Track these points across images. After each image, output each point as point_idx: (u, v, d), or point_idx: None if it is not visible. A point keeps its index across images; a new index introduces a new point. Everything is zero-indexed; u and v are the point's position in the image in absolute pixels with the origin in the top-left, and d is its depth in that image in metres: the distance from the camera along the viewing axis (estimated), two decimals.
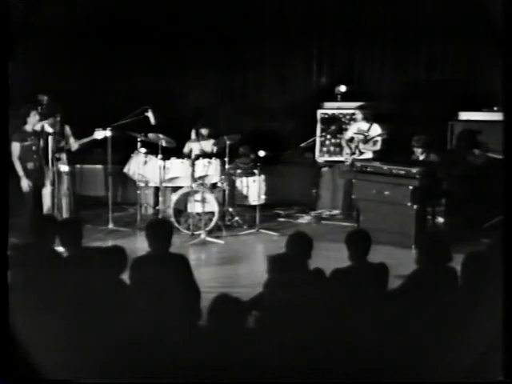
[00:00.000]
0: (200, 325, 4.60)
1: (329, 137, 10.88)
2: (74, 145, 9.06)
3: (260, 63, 11.54)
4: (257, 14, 11.40)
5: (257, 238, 9.40)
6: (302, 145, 10.42)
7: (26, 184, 8.56)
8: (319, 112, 10.93)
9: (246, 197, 9.97)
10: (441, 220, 9.31)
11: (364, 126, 10.18)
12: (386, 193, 8.73)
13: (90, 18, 10.05)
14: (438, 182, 9.00)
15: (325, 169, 11.10)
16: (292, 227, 9.65)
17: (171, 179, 9.65)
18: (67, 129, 9.09)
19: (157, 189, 9.92)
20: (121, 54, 10.62)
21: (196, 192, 9.36)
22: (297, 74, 11.64)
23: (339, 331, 4.15)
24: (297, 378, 3.83)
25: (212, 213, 9.30)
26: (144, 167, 9.68)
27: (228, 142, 9.59)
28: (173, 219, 9.15)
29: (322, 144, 10.93)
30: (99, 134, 9.10)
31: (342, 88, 11.01)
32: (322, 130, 10.89)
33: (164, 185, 9.66)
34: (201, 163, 9.50)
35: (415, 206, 8.56)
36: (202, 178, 9.49)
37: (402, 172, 8.69)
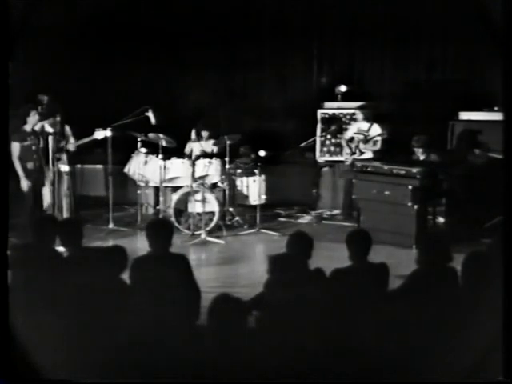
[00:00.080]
0: (200, 325, 4.60)
1: (329, 137, 10.88)
2: (71, 146, 9.05)
3: (260, 63, 11.55)
4: (257, 14, 11.40)
5: (257, 238, 9.40)
6: (303, 145, 10.41)
7: (25, 184, 8.55)
8: (319, 112, 10.93)
9: (246, 197, 9.96)
10: (441, 220, 9.30)
11: (364, 125, 10.18)
12: (387, 193, 8.73)
13: (90, 18, 10.05)
14: (439, 181, 8.99)
15: (325, 169, 11.11)
16: (292, 227, 9.64)
17: (171, 179, 9.65)
18: (67, 129, 9.11)
19: (157, 189, 9.92)
20: (121, 54, 10.63)
21: (196, 192, 9.36)
22: (297, 73, 11.65)
23: (339, 331, 4.15)
24: (297, 378, 3.83)
25: (212, 213, 9.30)
26: (144, 167, 9.68)
27: (228, 142, 9.59)
28: (173, 219, 9.15)
29: (323, 144, 10.93)
30: (99, 134, 9.11)
31: (343, 88, 11.01)
32: (323, 130, 10.89)
33: (164, 185, 9.67)
34: (201, 163, 9.49)
35: (415, 206, 8.56)
36: (202, 177, 9.49)
37: (403, 172, 8.69)
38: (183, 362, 3.78)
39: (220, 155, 9.71)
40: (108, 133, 9.16)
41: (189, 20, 10.95)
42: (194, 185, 9.35)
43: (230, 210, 9.85)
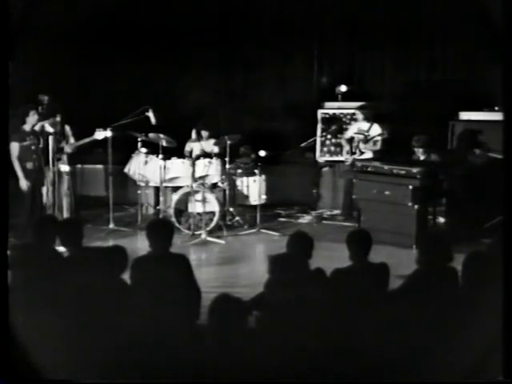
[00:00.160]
0: (200, 325, 4.60)
1: (329, 137, 10.88)
2: (67, 147, 9.04)
3: (260, 63, 11.55)
4: (257, 14, 11.40)
5: (257, 238, 9.40)
6: (303, 145, 10.41)
7: (24, 184, 8.54)
8: (320, 112, 10.93)
9: (246, 197, 9.96)
10: (441, 220, 9.30)
11: (364, 125, 10.18)
12: (387, 193, 8.73)
13: (90, 18, 10.05)
14: (439, 181, 8.99)
15: (325, 169, 11.11)
16: (293, 227, 9.64)
17: (172, 179, 9.65)
18: (67, 129, 9.10)
19: (157, 189, 9.92)
20: (121, 54, 10.62)
21: (197, 192, 9.36)
22: (297, 73, 11.65)
23: (339, 331, 4.15)
24: (297, 378, 3.83)
25: (213, 213, 9.30)
26: (145, 167, 9.68)
27: (228, 142, 9.59)
28: (173, 219, 9.15)
29: (323, 144, 10.93)
30: (100, 135, 9.10)
31: (343, 88, 11.01)
32: (323, 130, 10.89)
33: (165, 185, 9.66)
34: (201, 163, 9.50)
35: (416, 206, 8.56)
36: (202, 177, 9.49)
37: (403, 172, 8.68)
38: (183, 362, 3.78)
39: (220, 155, 9.71)
40: (108, 133, 9.16)
41: (189, 20, 10.96)
42: (195, 185, 9.35)
43: (231, 209, 9.85)
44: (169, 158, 9.54)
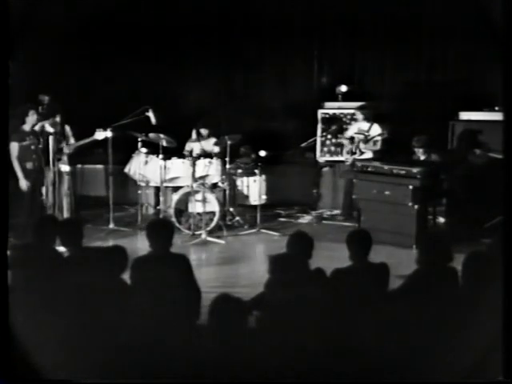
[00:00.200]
0: (200, 325, 4.60)
1: (329, 137, 10.88)
2: (66, 148, 9.04)
3: (260, 63, 11.54)
4: (257, 14, 11.39)
5: (258, 238, 9.40)
6: (303, 145, 10.40)
7: (24, 184, 8.54)
8: (320, 112, 10.93)
9: (246, 197, 9.96)
10: (442, 220, 9.30)
11: (364, 125, 10.18)
12: (387, 193, 8.73)
13: (90, 18, 10.05)
14: (439, 182, 8.99)
15: (325, 169, 11.11)
16: (293, 227, 9.63)
17: (172, 179, 9.65)
18: (67, 129, 9.10)
19: (158, 189, 9.91)
20: (121, 54, 10.62)
21: (197, 192, 9.36)
22: (297, 73, 11.64)
23: (339, 331, 4.15)
24: (297, 378, 3.83)
25: (213, 213, 9.30)
26: (145, 167, 9.68)
27: (229, 142, 9.59)
28: (174, 219, 9.15)
29: (323, 144, 10.93)
30: (100, 135, 9.10)
31: (343, 88, 11.01)
32: (323, 130, 10.88)
33: (165, 185, 9.66)
34: (202, 163, 9.49)
35: (416, 206, 8.56)
36: (202, 177, 9.49)
37: (403, 172, 8.68)
38: (183, 362, 3.78)
39: (220, 155, 9.71)
40: (109, 133, 9.15)
41: (189, 20, 10.95)
42: (195, 185, 9.35)
43: (231, 209, 9.85)
44: (169, 158, 9.54)
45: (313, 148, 10.88)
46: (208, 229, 9.20)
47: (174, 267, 5.27)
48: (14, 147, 8.48)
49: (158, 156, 9.50)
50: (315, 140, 10.76)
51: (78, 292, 4.51)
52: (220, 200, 9.48)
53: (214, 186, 9.71)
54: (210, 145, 10.06)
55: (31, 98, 8.98)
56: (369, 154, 10.05)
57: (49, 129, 8.62)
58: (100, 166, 10.95)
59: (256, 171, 9.89)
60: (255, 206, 9.78)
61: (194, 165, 9.38)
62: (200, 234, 9.12)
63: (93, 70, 10.57)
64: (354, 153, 10.18)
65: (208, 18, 11.05)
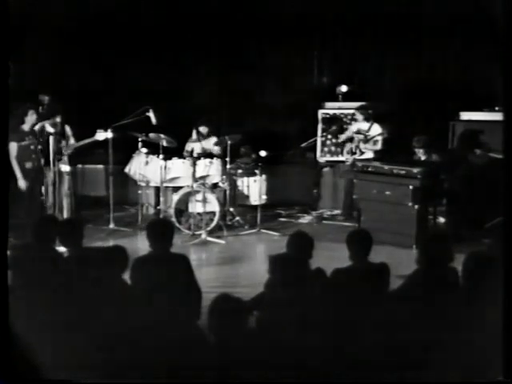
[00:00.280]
0: (201, 325, 4.60)
1: (330, 137, 10.88)
2: (65, 149, 9.03)
3: (260, 63, 11.53)
4: (257, 14, 11.37)
5: (258, 238, 9.40)
6: (303, 145, 10.42)
7: (23, 184, 8.53)
8: (320, 112, 10.93)
9: (247, 197, 9.97)
10: (442, 220, 9.30)
11: (364, 125, 10.18)
12: (387, 193, 8.73)
13: (91, 18, 10.05)
14: (439, 182, 8.99)
15: (326, 169, 11.11)
16: (293, 227, 9.63)
17: (172, 179, 9.65)
18: (68, 129, 9.10)
19: (158, 189, 9.91)
20: (121, 54, 10.62)
21: (197, 192, 9.36)
22: (297, 73, 11.63)
23: (339, 331, 4.15)
24: (297, 378, 3.82)
25: (213, 213, 9.30)
26: (145, 167, 9.68)
27: (229, 142, 9.59)
28: (174, 219, 9.15)
29: (323, 144, 10.93)
30: (101, 136, 9.10)
31: (343, 88, 11.01)
32: (323, 130, 10.89)
33: (165, 185, 9.66)
34: (202, 163, 9.49)
35: (416, 206, 8.56)
36: (203, 177, 9.49)
37: (403, 172, 8.68)
38: (183, 362, 3.78)
39: (221, 155, 9.71)
40: (109, 134, 9.15)
41: (189, 20, 10.95)
42: (195, 185, 9.35)
43: (231, 210, 9.85)
44: (169, 158, 9.54)
45: (313, 148, 10.89)
46: (208, 229, 9.20)
47: (174, 267, 5.26)
48: (13, 147, 8.46)
49: (158, 156, 9.50)
50: (315, 140, 10.77)
51: (78, 292, 4.52)
52: (220, 200, 9.48)
53: (215, 186, 9.71)
54: (210, 144, 10.06)
55: (31, 98, 8.98)
56: (369, 154, 10.05)
57: (49, 129, 8.63)
58: (100, 166, 10.95)
59: (256, 171, 9.89)
60: (255, 206, 9.78)
61: (194, 165, 9.38)
62: (200, 234, 9.12)
63: (93, 69, 10.56)
64: (354, 153, 10.18)
65: (208, 17, 11.04)
